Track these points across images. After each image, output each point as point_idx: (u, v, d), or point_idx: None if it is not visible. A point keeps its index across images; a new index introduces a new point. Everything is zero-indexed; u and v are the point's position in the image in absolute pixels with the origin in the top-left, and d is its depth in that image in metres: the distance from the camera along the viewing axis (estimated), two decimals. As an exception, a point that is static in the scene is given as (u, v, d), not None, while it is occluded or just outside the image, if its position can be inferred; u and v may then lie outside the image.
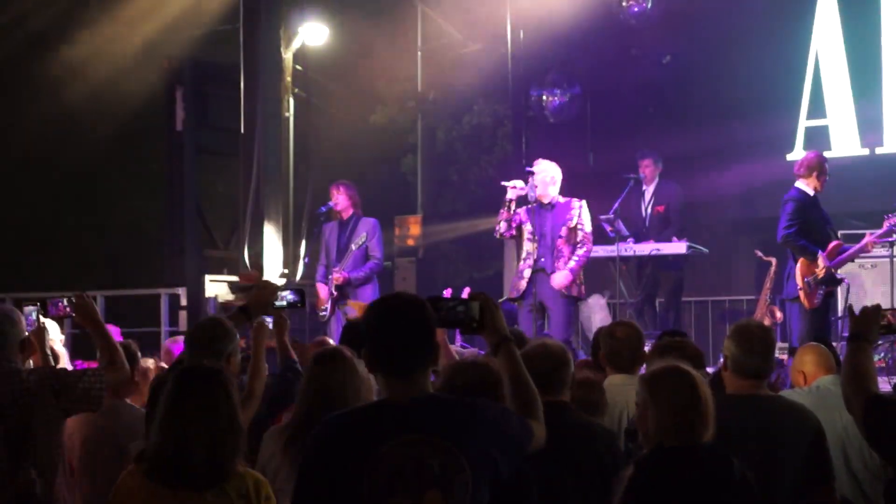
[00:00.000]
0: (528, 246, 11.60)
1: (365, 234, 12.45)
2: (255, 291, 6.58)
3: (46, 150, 15.92)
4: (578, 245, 11.46)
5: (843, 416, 5.82)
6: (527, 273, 11.54)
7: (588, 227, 11.53)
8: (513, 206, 11.56)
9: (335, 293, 12.33)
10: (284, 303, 6.53)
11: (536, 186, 11.47)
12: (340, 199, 12.63)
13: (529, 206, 11.52)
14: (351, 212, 12.65)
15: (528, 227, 11.55)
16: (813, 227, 11.49)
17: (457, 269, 17.07)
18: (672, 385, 4.61)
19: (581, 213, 11.49)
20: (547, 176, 11.53)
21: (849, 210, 13.73)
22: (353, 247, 12.36)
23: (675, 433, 4.56)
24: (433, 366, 4.20)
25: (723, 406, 4.71)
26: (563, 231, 11.46)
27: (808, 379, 6.71)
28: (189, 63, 16.10)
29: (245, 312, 6.26)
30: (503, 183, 11.72)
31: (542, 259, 11.50)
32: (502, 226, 11.67)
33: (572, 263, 11.42)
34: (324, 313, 12.37)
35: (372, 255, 12.50)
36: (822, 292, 11.45)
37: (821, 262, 11.37)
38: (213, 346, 5.67)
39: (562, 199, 11.56)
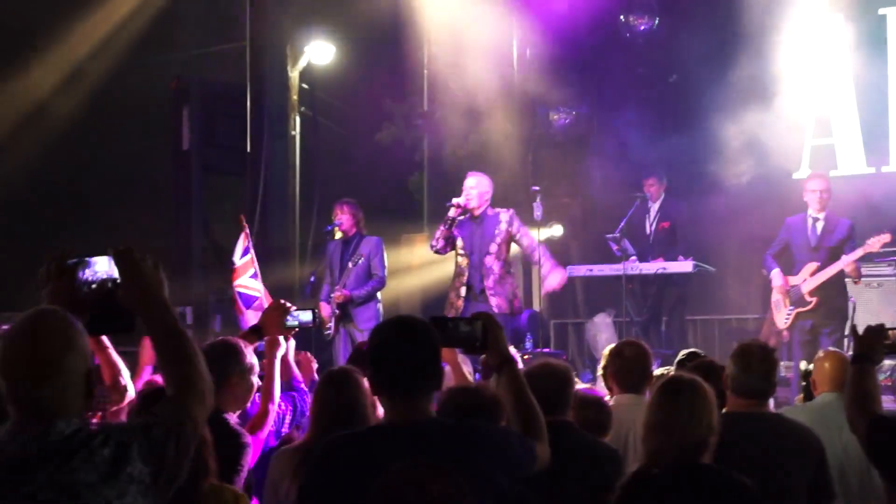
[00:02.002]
0: (460, 261, 11.67)
1: (365, 252, 12.45)
2: (267, 312, 6.58)
3: (51, 169, 15.94)
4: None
5: (843, 436, 5.82)
6: (463, 291, 11.59)
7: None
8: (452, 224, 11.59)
9: (337, 312, 12.31)
10: (296, 322, 6.52)
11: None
12: (344, 219, 12.63)
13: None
14: (354, 231, 12.65)
15: (458, 243, 11.61)
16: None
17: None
18: (678, 399, 4.60)
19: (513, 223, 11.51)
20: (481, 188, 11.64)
21: (855, 229, 13.71)
22: (351, 265, 12.34)
23: (674, 450, 4.54)
24: (437, 389, 4.21)
25: (721, 424, 4.71)
26: (493, 248, 11.47)
27: (817, 388, 6.73)
28: (196, 82, 16.13)
29: (257, 332, 6.26)
30: (449, 203, 11.74)
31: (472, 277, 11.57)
32: (439, 242, 11.72)
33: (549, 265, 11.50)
34: (328, 332, 12.35)
35: (374, 273, 12.49)
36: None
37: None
38: (215, 367, 5.63)
39: (490, 212, 11.61)
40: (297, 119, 15.84)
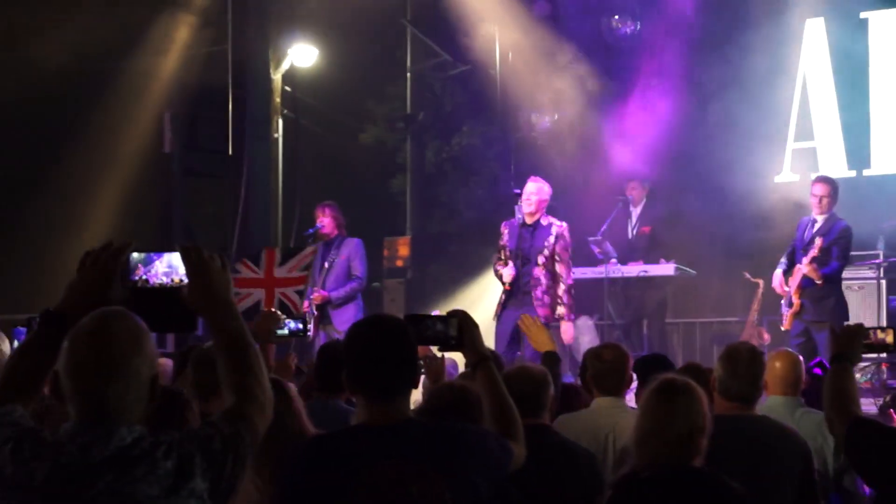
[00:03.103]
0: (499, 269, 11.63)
1: (345, 253, 12.45)
2: (257, 319, 6.56)
3: (32, 171, 15.88)
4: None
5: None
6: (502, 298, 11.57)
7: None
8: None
9: (316, 313, 12.29)
10: (287, 331, 6.52)
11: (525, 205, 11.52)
12: (326, 221, 12.62)
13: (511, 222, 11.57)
14: (336, 233, 12.65)
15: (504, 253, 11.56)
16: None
17: (446, 291, 17.04)
18: (672, 401, 4.56)
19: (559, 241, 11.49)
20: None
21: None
22: (327, 265, 12.33)
23: (666, 451, 4.51)
24: (414, 388, 4.19)
25: None
26: (540, 259, 11.43)
27: (768, 390, 6.33)
28: (177, 85, 16.08)
29: None
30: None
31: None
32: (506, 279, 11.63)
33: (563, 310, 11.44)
34: (308, 334, 12.32)
35: (354, 275, 12.49)
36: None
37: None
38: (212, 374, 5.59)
39: (544, 221, 11.56)
40: (280, 121, 15.81)
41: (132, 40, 15.49)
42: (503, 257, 11.47)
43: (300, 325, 6.62)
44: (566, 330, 11.50)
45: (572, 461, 5.38)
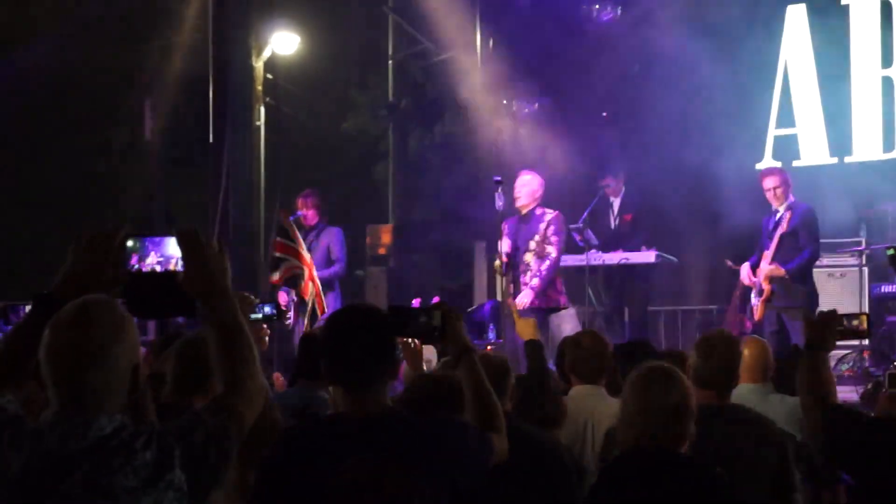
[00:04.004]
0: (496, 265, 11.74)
1: (325, 241, 12.49)
2: None
3: (12, 160, 15.85)
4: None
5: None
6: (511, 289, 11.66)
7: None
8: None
9: (295, 299, 12.27)
10: (260, 315, 6.51)
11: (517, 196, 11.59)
12: (309, 213, 12.65)
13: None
14: (317, 220, 12.66)
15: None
16: None
17: (428, 279, 17.05)
18: (660, 386, 4.54)
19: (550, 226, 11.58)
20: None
21: (818, 219, 13.77)
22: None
23: (653, 437, 4.50)
24: (392, 379, 4.18)
25: None
26: (532, 244, 11.53)
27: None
28: (157, 73, 16.04)
29: None
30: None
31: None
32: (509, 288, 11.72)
33: (535, 281, 11.50)
34: (288, 321, 12.31)
35: (335, 260, 12.50)
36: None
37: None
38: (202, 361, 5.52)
39: (538, 211, 11.67)
40: (262, 110, 15.78)
41: (114, 29, 15.45)
42: (499, 259, 11.58)
43: (274, 310, 6.59)
44: (523, 295, 11.51)
45: (537, 450, 5.31)
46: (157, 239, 4.77)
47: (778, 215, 11.64)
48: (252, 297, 6.42)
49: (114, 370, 3.25)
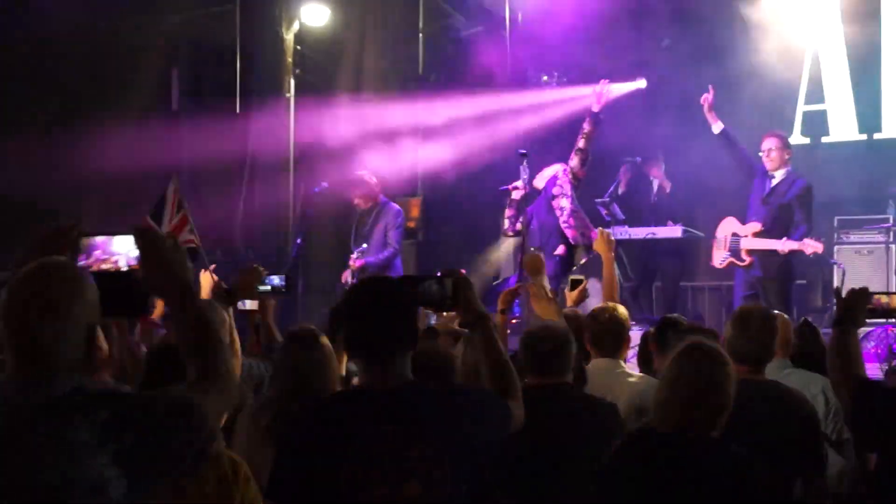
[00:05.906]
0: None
1: (381, 221, 12.46)
2: (240, 275, 6.50)
3: (39, 126, 15.83)
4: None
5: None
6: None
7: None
8: (519, 205, 11.55)
9: (354, 280, 12.23)
10: (269, 287, 6.50)
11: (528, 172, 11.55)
12: (360, 201, 12.63)
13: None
14: (370, 203, 12.64)
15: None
16: None
17: (457, 252, 17.00)
18: (698, 364, 4.49)
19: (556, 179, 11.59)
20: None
21: (847, 195, 13.70)
22: (365, 231, 12.29)
23: (683, 415, 4.44)
24: (413, 350, 4.16)
25: None
26: (556, 190, 11.54)
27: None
28: (185, 43, 16.01)
29: (230, 296, 6.15)
30: (501, 188, 11.69)
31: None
32: (506, 223, 11.68)
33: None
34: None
35: (389, 244, 12.47)
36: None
37: None
38: None
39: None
40: (293, 82, 15.76)
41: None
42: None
43: (283, 282, 6.57)
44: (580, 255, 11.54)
45: (594, 418, 5.36)
46: (106, 238, 4.70)
47: (774, 181, 11.61)
48: (261, 268, 6.40)
49: (71, 326, 3.24)
